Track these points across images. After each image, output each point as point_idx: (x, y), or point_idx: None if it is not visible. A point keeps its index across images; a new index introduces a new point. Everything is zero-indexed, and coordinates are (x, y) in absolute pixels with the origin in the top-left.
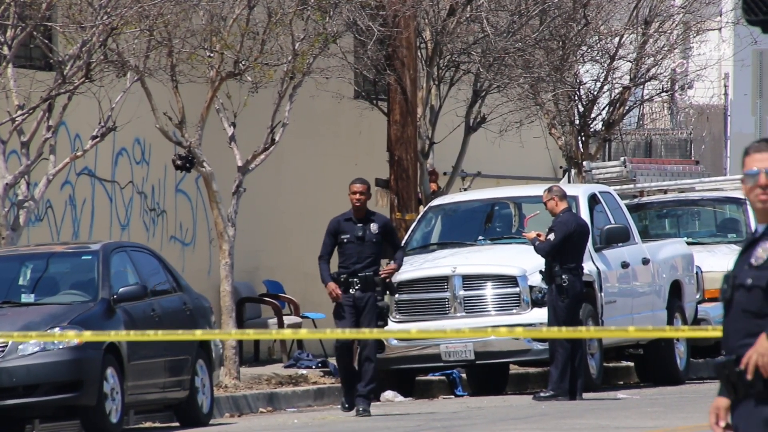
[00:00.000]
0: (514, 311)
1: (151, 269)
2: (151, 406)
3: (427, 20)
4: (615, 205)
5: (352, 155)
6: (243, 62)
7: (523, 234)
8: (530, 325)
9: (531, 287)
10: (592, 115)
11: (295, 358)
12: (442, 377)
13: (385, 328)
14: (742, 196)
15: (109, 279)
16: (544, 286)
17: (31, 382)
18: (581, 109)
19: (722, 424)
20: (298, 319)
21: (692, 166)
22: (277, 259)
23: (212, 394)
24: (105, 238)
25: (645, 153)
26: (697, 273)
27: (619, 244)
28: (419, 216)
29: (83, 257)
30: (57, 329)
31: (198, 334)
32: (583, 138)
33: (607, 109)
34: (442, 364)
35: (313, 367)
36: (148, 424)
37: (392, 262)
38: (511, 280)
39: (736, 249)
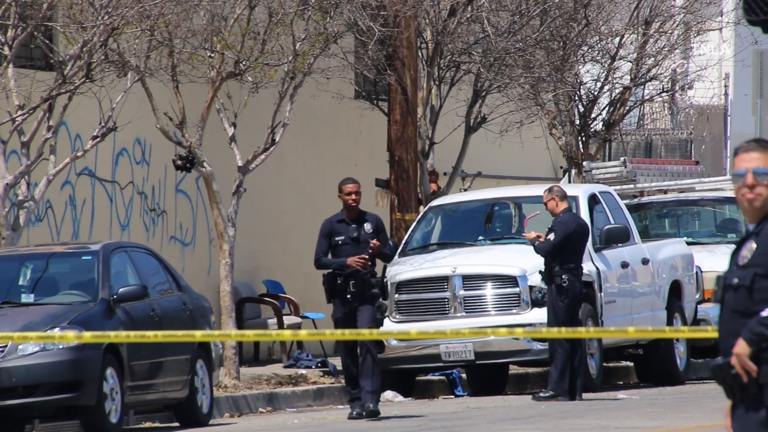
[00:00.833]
0: (514, 311)
1: (151, 269)
2: (150, 406)
3: (427, 20)
4: (615, 205)
5: (353, 155)
6: (244, 62)
7: (523, 234)
8: (530, 325)
9: (531, 287)
10: (593, 116)
11: (295, 358)
12: (442, 377)
13: (385, 328)
14: None
15: (109, 279)
16: (544, 286)
17: (30, 382)
18: (581, 109)
19: None
20: (297, 319)
21: (692, 167)
22: (277, 259)
23: (212, 394)
24: (105, 238)
25: (645, 153)
26: (696, 273)
27: (619, 244)
28: (419, 216)
29: (83, 257)
30: (57, 329)
31: (197, 335)
32: (584, 138)
33: (607, 109)
34: (441, 364)
35: (313, 367)
36: (147, 424)
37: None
38: (511, 280)
39: None
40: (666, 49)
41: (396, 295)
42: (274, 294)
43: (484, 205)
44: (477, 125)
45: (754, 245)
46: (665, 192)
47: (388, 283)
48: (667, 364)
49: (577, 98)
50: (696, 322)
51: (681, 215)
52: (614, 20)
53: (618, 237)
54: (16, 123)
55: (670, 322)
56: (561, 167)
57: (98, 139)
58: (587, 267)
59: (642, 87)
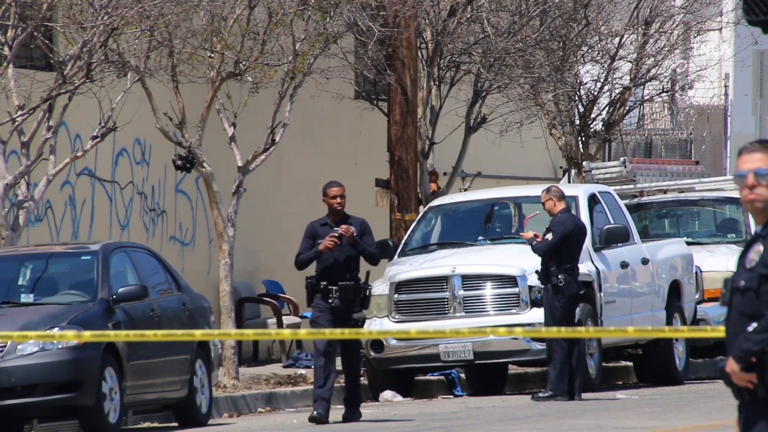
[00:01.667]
0: (514, 311)
1: (150, 269)
2: (149, 406)
3: (427, 20)
4: (615, 205)
5: (353, 155)
6: (243, 62)
7: (521, 234)
8: (529, 325)
9: (530, 287)
10: (593, 116)
11: (294, 358)
12: (441, 377)
13: (385, 328)
14: None
15: (108, 279)
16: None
17: (29, 382)
18: (581, 109)
19: None
20: (297, 319)
21: (692, 167)
22: (277, 259)
23: (211, 394)
24: (105, 238)
25: (645, 153)
26: (696, 273)
27: (619, 244)
28: (419, 216)
29: (83, 257)
30: (56, 329)
31: (197, 335)
32: (583, 138)
33: (607, 109)
34: (441, 364)
35: (312, 367)
36: (146, 424)
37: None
38: (511, 280)
39: (735, 249)
40: (666, 49)
41: (395, 295)
42: (274, 294)
43: (484, 205)
44: (477, 125)
45: (761, 247)
46: (665, 192)
47: (388, 283)
48: (667, 364)
49: (576, 98)
50: (695, 322)
51: (681, 215)
52: (614, 20)
53: (618, 237)
54: (16, 123)
55: (669, 322)
56: (561, 167)
57: (98, 139)
58: (587, 267)
59: (642, 87)
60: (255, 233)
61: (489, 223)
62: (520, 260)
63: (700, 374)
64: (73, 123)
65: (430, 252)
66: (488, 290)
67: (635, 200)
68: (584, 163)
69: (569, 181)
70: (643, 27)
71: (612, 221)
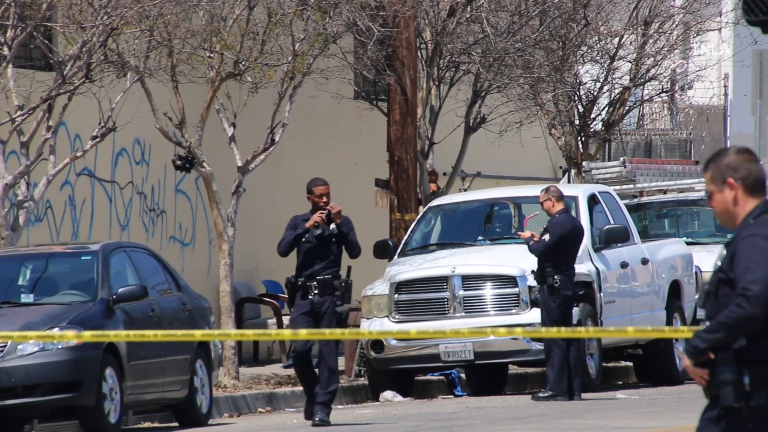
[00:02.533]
0: (513, 311)
1: (150, 269)
2: (150, 406)
3: (427, 20)
4: (614, 205)
5: (352, 155)
6: (243, 62)
7: (518, 234)
8: (529, 325)
9: (530, 287)
10: (592, 116)
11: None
12: (441, 377)
13: (385, 328)
14: None
15: (108, 279)
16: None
17: (30, 382)
18: (581, 109)
19: None
20: None
21: (692, 167)
22: (277, 259)
23: (211, 394)
24: (104, 238)
25: (645, 153)
26: (696, 273)
27: (619, 244)
28: (419, 216)
29: (83, 257)
30: (56, 329)
31: (197, 335)
32: (583, 138)
33: (606, 109)
34: (441, 364)
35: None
36: (147, 424)
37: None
38: (511, 281)
39: None
40: (665, 49)
41: (395, 295)
42: (274, 294)
43: (484, 206)
44: (476, 125)
45: (725, 252)
46: (665, 192)
47: (388, 283)
48: (667, 364)
49: (576, 98)
50: (695, 322)
51: (680, 215)
52: (613, 20)
53: (617, 237)
54: (16, 123)
55: (669, 322)
56: (560, 167)
57: (98, 140)
58: (587, 267)
59: (641, 87)
60: (255, 233)
61: (489, 224)
62: (520, 260)
63: None
64: (72, 123)
65: (430, 252)
66: (488, 290)
67: (635, 200)
68: (584, 163)
69: (569, 181)
70: (643, 27)
71: (612, 221)
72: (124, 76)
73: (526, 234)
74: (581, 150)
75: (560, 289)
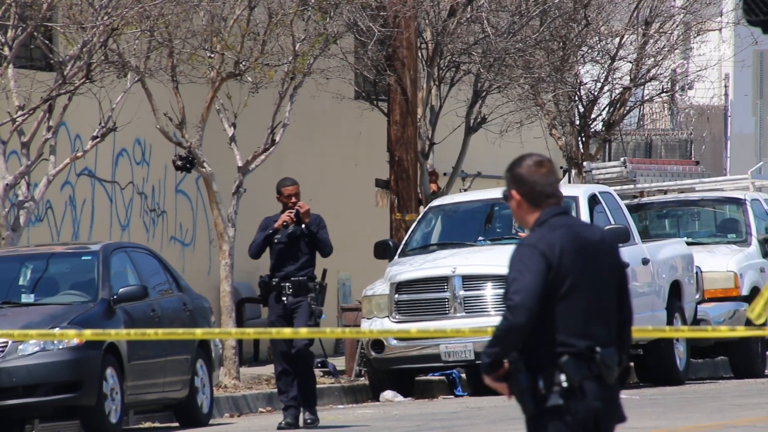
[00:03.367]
0: None
1: (151, 270)
2: (150, 406)
3: (427, 21)
4: (615, 205)
5: (353, 156)
6: (243, 63)
7: (519, 235)
8: None
9: None
10: (593, 116)
11: None
12: (442, 377)
13: (385, 328)
14: (743, 197)
15: (109, 279)
16: None
17: (30, 382)
18: (581, 109)
19: None
20: None
21: (692, 167)
22: None
23: (212, 394)
24: (105, 238)
25: (645, 153)
26: (696, 273)
27: (619, 245)
28: (419, 216)
29: (83, 258)
30: (57, 329)
31: (198, 333)
32: (584, 138)
33: (607, 109)
34: (441, 364)
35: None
36: (147, 424)
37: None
38: None
39: (736, 249)
40: (666, 49)
41: (396, 296)
42: None
43: (484, 206)
44: (477, 125)
45: None
46: (665, 192)
47: (388, 283)
48: (667, 364)
49: (576, 98)
50: (696, 322)
51: (681, 215)
52: (614, 20)
53: (618, 237)
54: (16, 123)
55: (670, 322)
56: (561, 167)
57: (98, 140)
58: None
59: (642, 87)
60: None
61: (489, 224)
62: None
63: (701, 374)
64: (73, 123)
65: (431, 252)
66: (489, 290)
67: (635, 200)
68: (584, 163)
69: (569, 182)
70: (643, 27)
71: (612, 221)
72: (125, 76)
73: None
74: (582, 150)
75: None
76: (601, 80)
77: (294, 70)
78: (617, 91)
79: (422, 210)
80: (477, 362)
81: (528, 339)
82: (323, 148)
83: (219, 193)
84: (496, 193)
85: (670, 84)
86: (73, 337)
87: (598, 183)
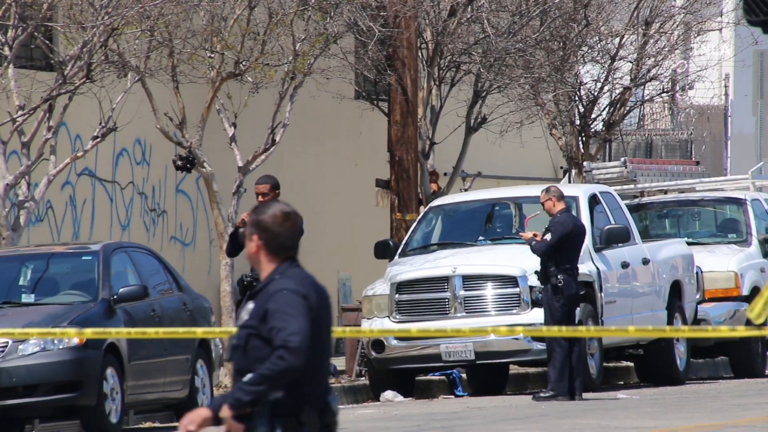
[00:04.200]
0: (514, 311)
1: (151, 270)
2: (150, 406)
3: (427, 21)
4: (615, 205)
5: (353, 156)
6: (244, 63)
7: (520, 234)
8: (530, 325)
9: (531, 287)
10: (593, 116)
11: None
12: (442, 377)
13: (385, 327)
14: (743, 197)
15: (109, 279)
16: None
17: (31, 382)
18: (582, 109)
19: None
20: None
21: (693, 167)
22: None
23: (212, 394)
24: (105, 238)
25: (645, 153)
26: (697, 273)
27: (620, 245)
28: (420, 216)
29: (83, 257)
30: (57, 329)
31: (198, 332)
32: (584, 138)
33: (607, 109)
34: (442, 364)
35: None
36: (148, 424)
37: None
38: (512, 281)
39: (736, 249)
40: (666, 49)
41: (396, 296)
42: None
43: (485, 206)
44: (477, 125)
45: (251, 305)
46: (665, 192)
47: (389, 283)
48: (668, 364)
49: (577, 98)
50: (696, 322)
51: (681, 215)
52: (614, 20)
53: (618, 237)
54: (17, 123)
55: (670, 322)
56: (561, 167)
57: (98, 140)
58: (588, 267)
59: (642, 87)
60: None
61: (489, 224)
62: (521, 260)
63: (701, 374)
64: (73, 123)
65: (431, 252)
66: (489, 290)
67: (636, 200)
68: (585, 163)
69: (570, 182)
70: (644, 27)
71: (613, 221)
72: (125, 76)
73: (528, 234)
74: (582, 150)
75: (564, 289)
76: (602, 80)
77: (294, 70)
78: (617, 91)
79: (422, 210)
80: (477, 362)
81: None
82: (323, 148)
83: (219, 193)
84: (496, 193)
85: (670, 84)
86: (74, 335)
87: (598, 183)
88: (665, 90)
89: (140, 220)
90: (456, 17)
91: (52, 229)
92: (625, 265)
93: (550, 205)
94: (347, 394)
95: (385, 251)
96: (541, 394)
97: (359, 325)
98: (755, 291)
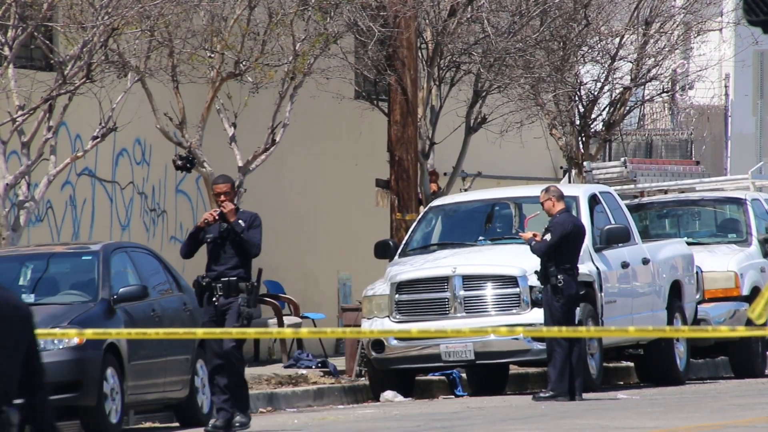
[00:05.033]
0: (514, 311)
1: (151, 269)
2: (150, 406)
3: (427, 21)
4: (615, 205)
5: (353, 156)
6: (244, 63)
7: (520, 234)
8: (530, 325)
9: (531, 287)
10: (593, 116)
11: (295, 358)
12: (442, 377)
13: (385, 327)
14: (743, 196)
15: (109, 279)
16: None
17: None
18: (582, 109)
19: None
20: (298, 320)
21: (693, 167)
22: (277, 259)
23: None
24: (105, 238)
25: (645, 153)
26: (697, 273)
27: (620, 245)
28: (420, 216)
29: (83, 257)
30: (57, 329)
31: (199, 333)
32: (584, 138)
33: (607, 109)
34: (442, 364)
35: (313, 367)
36: (148, 424)
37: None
38: (512, 281)
39: (736, 249)
40: (666, 49)
41: (396, 296)
42: (275, 294)
43: (485, 206)
44: (477, 125)
45: None
46: (665, 192)
47: (389, 284)
48: (668, 364)
49: (577, 98)
50: (696, 322)
51: (681, 215)
52: (614, 20)
53: (618, 237)
54: (17, 123)
55: (670, 322)
56: (561, 167)
57: (98, 140)
58: (588, 267)
59: (642, 87)
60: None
61: (489, 224)
62: (521, 260)
63: (701, 374)
64: (73, 123)
65: (431, 252)
66: (489, 290)
67: (636, 200)
68: (585, 163)
69: (570, 182)
70: (644, 27)
71: (613, 221)
72: (125, 76)
73: (528, 235)
74: (582, 150)
75: (564, 289)
76: (602, 80)
77: (294, 70)
78: (617, 91)
79: (422, 210)
80: (477, 362)
81: None
82: (323, 148)
83: None
84: (496, 193)
85: (670, 84)
86: (74, 336)
87: (598, 183)
88: (665, 90)
89: (140, 220)
90: (456, 17)
91: (52, 229)
92: (625, 265)
93: (549, 205)
94: (347, 394)
95: (385, 251)
96: (541, 394)
97: (359, 325)
98: (755, 291)
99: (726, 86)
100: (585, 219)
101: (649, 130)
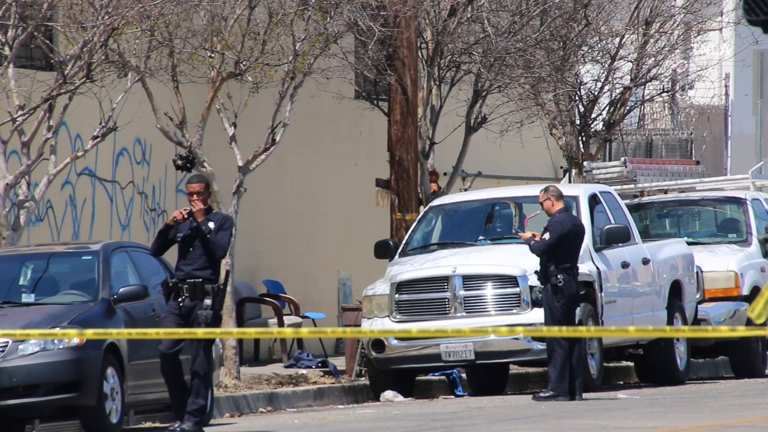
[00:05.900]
0: (515, 311)
1: (151, 269)
2: (151, 406)
3: (428, 20)
4: (615, 205)
5: (353, 155)
6: (244, 62)
7: (519, 234)
8: (530, 325)
9: (531, 287)
10: (593, 116)
11: (296, 358)
12: (442, 377)
13: (385, 327)
14: (743, 196)
15: (109, 279)
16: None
17: (31, 382)
18: (582, 109)
19: None
20: (298, 319)
21: (693, 166)
22: (278, 259)
23: (212, 394)
24: (105, 238)
25: (645, 153)
26: (697, 273)
27: (620, 244)
28: (420, 216)
29: (83, 257)
30: (57, 329)
31: (199, 333)
32: (584, 138)
33: (607, 109)
34: (442, 364)
35: (313, 366)
36: (148, 424)
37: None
38: (512, 281)
39: (736, 249)
40: (666, 49)
41: (396, 295)
42: (275, 294)
43: (485, 205)
44: (477, 125)
45: None
46: (666, 192)
47: (389, 283)
48: (668, 364)
49: (577, 98)
50: (696, 322)
51: (681, 215)
52: (614, 20)
53: (618, 237)
54: (17, 123)
55: (670, 322)
56: (561, 167)
57: (98, 139)
58: (588, 267)
59: (642, 87)
60: (256, 233)
61: (489, 223)
62: (521, 260)
63: (701, 374)
64: (73, 123)
65: (431, 252)
66: (489, 290)
67: (636, 200)
68: (585, 163)
69: (570, 181)
70: (644, 27)
71: (613, 221)
72: (125, 75)
73: (527, 235)
74: (582, 150)
75: (564, 289)
76: (602, 80)
77: (294, 69)
78: (617, 91)
79: (422, 210)
80: (477, 362)
81: None
82: (323, 148)
83: (219, 193)
84: (496, 193)
85: (670, 84)
86: (74, 336)
87: (598, 183)
88: (665, 90)
89: (140, 219)
90: (456, 17)
91: (52, 229)
92: (625, 265)
93: (548, 204)
94: (347, 394)
95: (385, 251)
96: (542, 394)
97: (359, 325)
98: (755, 291)
99: (726, 86)
100: (585, 219)
101: (649, 130)
